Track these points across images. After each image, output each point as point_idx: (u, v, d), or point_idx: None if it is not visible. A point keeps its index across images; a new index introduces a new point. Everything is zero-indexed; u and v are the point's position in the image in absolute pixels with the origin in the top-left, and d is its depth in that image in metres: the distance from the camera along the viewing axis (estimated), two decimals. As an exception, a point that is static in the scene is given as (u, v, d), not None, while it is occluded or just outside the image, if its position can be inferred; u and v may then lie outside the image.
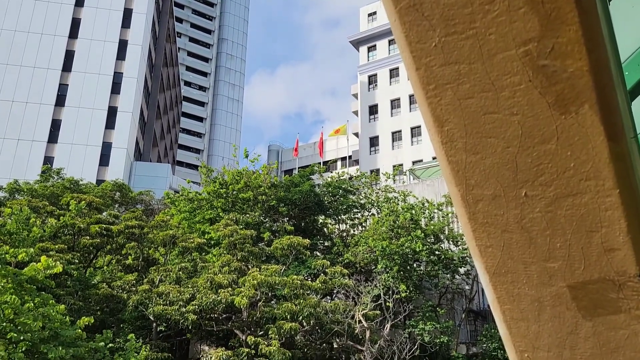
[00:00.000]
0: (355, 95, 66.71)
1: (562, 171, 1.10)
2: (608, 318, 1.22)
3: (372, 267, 25.55)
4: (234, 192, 28.89)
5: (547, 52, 1.02)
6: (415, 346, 20.84)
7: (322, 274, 22.76)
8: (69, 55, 53.14)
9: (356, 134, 64.72)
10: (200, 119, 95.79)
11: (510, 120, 1.09)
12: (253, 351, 19.48)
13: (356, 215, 31.62)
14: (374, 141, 61.62)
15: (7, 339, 14.45)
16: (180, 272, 22.64)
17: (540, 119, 1.07)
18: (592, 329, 1.25)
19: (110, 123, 51.52)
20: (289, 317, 19.99)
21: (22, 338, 14.44)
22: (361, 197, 31.87)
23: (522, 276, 1.26)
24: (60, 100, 51.64)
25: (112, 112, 51.93)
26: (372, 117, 62.87)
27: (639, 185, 1.12)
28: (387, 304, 21.82)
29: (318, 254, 27.82)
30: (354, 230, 31.11)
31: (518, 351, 1.36)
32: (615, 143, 1.06)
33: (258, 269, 21.70)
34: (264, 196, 28.38)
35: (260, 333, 20.72)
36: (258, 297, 20.84)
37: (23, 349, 14.59)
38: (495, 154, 1.13)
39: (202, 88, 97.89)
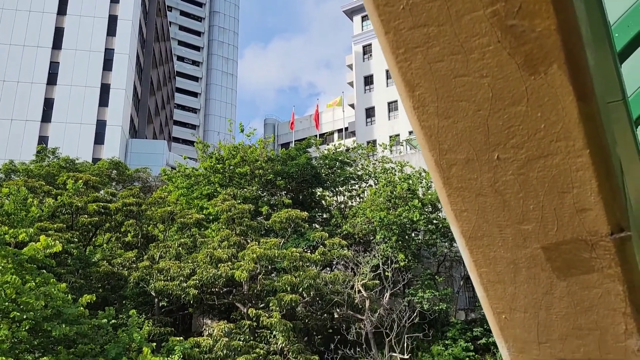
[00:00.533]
0: (350, 66, 66.13)
1: (533, 133, 1.10)
2: (581, 278, 1.24)
3: (371, 238, 25.72)
4: (231, 167, 28.86)
5: (514, 12, 1.01)
6: (415, 314, 21.13)
7: (321, 246, 22.93)
8: (59, 33, 52.36)
9: (352, 106, 64.37)
10: (194, 94, 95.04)
11: (480, 83, 1.08)
12: (255, 323, 19.76)
13: (354, 187, 31.69)
14: (370, 112, 61.34)
15: (10, 318, 14.61)
16: (180, 248, 22.78)
17: (510, 80, 1.06)
18: (567, 289, 1.27)
19: (103, 101, 51.08)
20: (289, 289, 20.21)
21: (25, 317, 14.59)
22: (358, 169, 31.89)
23: (497, 239, 1.27)
24: (51, 79, 51.09)
25: (104, 90, 51.44)
26: (367, 87, 62.44)
27: (610, 146, 1.12)
28: (386, 273, 22.05)
29: (317, 226, 27.97)
30: (352, 202, 31.22)
31: (495, 313, 1.38)
32: (585, 103, 1.05)
33: (257, 243, 21.84)
34: (261, 170, 28.37)
35: (261, 305, 20.97)
36: (258, 270, 21.03)
37: (26, 328, 14.77)
38: (467, 117, 1.13)
39: (195, 63, 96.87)
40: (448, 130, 1.16)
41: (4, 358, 13.41)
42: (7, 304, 14.50)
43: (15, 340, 14.68)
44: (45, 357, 14.42)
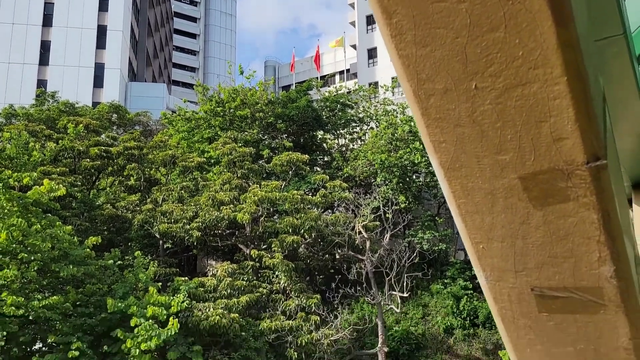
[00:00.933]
0: (352, 5, 64.31)
1: (511, 60, 1.09)
2: (557, 207, 1.25)
3: (372, 180, 25.86)
4: (231, 110, 28.67)
5: None
6: (415, 254, 21.52)
7: (322, 189, 23.10)
8: (52, -28, 50.74)
9: (354, 46, 63.07)
10: (193, 36, 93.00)
11: (458, 9, 1.06)
12: (257, 264, 20.20)
13: (355, 130, 31.56)
14: (372, 53, 60.16)
15: (18, 260, 14.96)
16: (182, 191, 22.99)
17: (488, 5, 1.04)
18: (543, 218, 1.28)
19: (101, 43, 50.11)
20: (290, 230, 20.53)
21: (32, 258, 14.94)
22: (360, 111, 31.65)
23: (475, 170, 1.27)
24: (47, 20, 49.95)
25: (101, 31, 50.37)
26: (369, 27, 60.95)
27: (589, 74, 1.10)
28: (387, 215, 22.29)
29: (318, 169, 28.07)
30: (353, 145, 31.18)
31: (474, 243, 1.40)
32: (564, 29, 1.03)
33: (258, 186, 22.00)
34: (261, 113, 28.18)
35: (263, 247, 21.37)
36: (260, 212, 21.29)
37: (35, 269, 15.15)
38: (445, 45, 1.11)
39: (193, 2, 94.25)
40: (426, 59, 1.14)
41: (14, 297, 13.82)
42: (14, 245, 14.81)
43: (25, 280, 15.09)
44: (54, 297, 14.85)
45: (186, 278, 18.79)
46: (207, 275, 20.14)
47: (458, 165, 1.26)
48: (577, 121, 1.10)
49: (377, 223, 22.13)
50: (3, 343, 13.99)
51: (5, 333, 14.08)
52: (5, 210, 15.01)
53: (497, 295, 1.48)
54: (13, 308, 13.80)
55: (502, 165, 1.23)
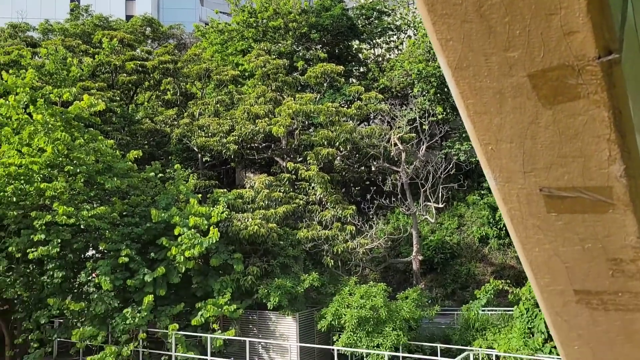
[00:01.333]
0: None
1: None
2: (567, 105, 1.22)
3: (408, 91, 25.33)
4: (264, 21, 28.01)
5: None
6: (451, 165, 21.43)
7: (357, 100, 22.82)
8: None
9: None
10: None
11: None
12: (294, 176, 20.56)
13: (391, 39, 30.50)
14: (411, -45, 56.67)
15: (65, 172, 15.65)
16: (218, 105, 23.13)
17: None
18: (552, 117, 1.26)
19: (130, -47, 48.84)
20: (325, 143, 20.61)
21: (78, 171, 15.59)
22: (397, 19, 30.40)
23: (483, 68, 1.24)
24: None
25: (130, -59, 48.92)
26: None
27: None
28: (423, 126, 22.01)
29: (353, 80, 27.60)
30: (390, 55, 30.28)
31: (482, 144, 1.39)
32: None
33: (293, 99, 21.89)
34: (294, 23, 27.44)
35: (299, 159, 21.62)
36: (295, 125, 21.34)
37: (82, 181, 15.86)
38: None
39: None
40: None
41: (65, 207, 14.62)
42: (61, 159, 15.44)
43: (74, 192, 15.87)
44: (102, 207, 15.62)
45: (225, 190, 19.37)
46: (245, 187, 20.70)
47: (466, 64, 1.23)
48: (589, 13, 1.04)
49: (413, 135, 21.93)
50: (58, 249, 14.99)
51: (60, 240, 15.05)
52: (50, 125, 15.51)
53: (506, 197, 1.48)
54: (65, 217, 14.65)
55: (510, 62, 1.19)
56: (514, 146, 1.45)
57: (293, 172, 20.37)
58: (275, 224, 17.56)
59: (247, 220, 17.17)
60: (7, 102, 15.30)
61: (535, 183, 1.50)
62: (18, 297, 16.66)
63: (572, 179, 1.44)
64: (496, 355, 14.31)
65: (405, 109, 23.19)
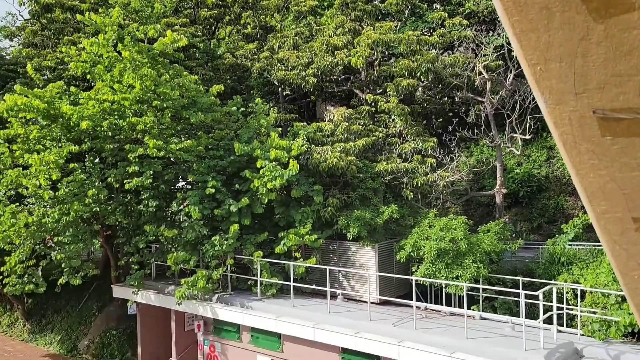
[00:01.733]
0: None
1: None
2: (620, 18, 1.12)
3: (496, 16, 23.74)
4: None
5: None
6: (540, 94, 20.17)
7: (440, 27, 21.78)
8: None
9: None
10: None
11: None
12: (373, 108, 20.30)
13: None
14: None
15: (153, 107, 16.45)
16: (297, 37, 22.97)
17: None
18: (605, 32, 1.16)
19: None
20: (406, 73, 20.04)
21: (165, 106, 16.33)
22: None
23: (527, -20, 1.16)
24: None
25: None
26: None
27: None
28: (512, 53, 20.69)
29: (437, 5, 26.21)
30: (477, -24, 28.28)
31: (530, 65, 1.33)
32: None
33: (372, 28, 21.26)
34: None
35: (379, 91, 21.24)
36: (374, 56, 20.85)
37: (169, 115, 16.63)
38: None
39: None
40: None
41: (155, 141, 15.47)
42: (149, 94, 16.21)
43: (163, 126, 16.71)
44: (188, 141, 16.39)
45: (305, 123, 19.57)
46: (325, 121, 20.77)
47: (508, -24, 1.15)
48: None
49: (500, 62, 20.73)
50: (151, 180, 16.05)
51: (152, 172, 16.08)
52: (137, 62, 16.20)
53: (557, 120, 1.41)
54: (155, 150, 15.55)
55: (556, -28, 1.10)
56: (563, 65, 1.36)
57: (372, 104, 20.11)
58: (354, 157, 17.63)
59: (327, 153, 17.36)
60: (98, 41, 16.08)
61: (588, 105, 1.40)
62: (119, 224, 18.21)
63: (628, 100, 1.33)
64: (582, 290, 13.90)
65: (493, 35, 21.86)
